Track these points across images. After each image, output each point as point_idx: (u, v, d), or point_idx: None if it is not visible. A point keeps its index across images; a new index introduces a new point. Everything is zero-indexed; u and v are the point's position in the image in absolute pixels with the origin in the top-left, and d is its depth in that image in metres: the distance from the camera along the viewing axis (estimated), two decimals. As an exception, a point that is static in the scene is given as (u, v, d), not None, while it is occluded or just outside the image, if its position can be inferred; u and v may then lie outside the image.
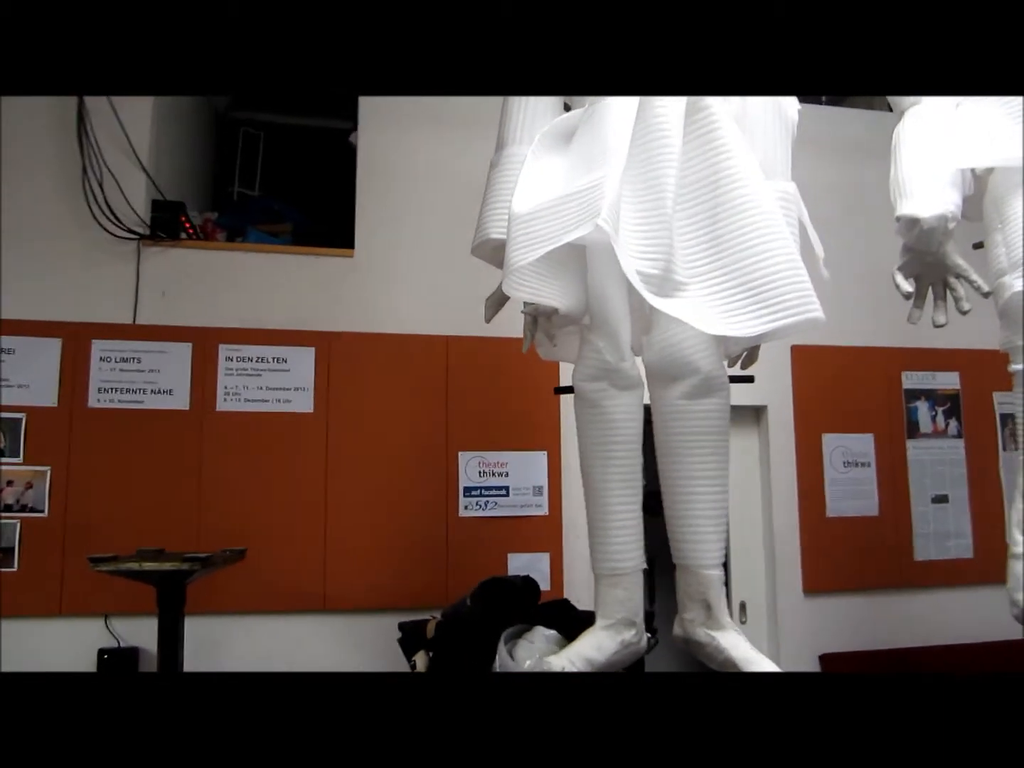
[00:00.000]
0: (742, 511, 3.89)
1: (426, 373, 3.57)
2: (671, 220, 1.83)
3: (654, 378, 1.94)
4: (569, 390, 2.03)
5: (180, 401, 3.38)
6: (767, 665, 1.84)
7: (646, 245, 1.80)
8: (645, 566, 1.96)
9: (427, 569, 3.41)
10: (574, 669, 1.86)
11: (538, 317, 2.05)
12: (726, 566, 3.81)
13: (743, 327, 1.76)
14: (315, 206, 4.54)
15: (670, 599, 1.97)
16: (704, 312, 1.79)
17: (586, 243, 1.89)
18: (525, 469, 3.56)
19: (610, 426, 1.92)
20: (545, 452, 3.60)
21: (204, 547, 3.17)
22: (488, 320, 2.24)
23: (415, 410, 3.53)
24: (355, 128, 3.84)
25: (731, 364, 2.15)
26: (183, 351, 3.41)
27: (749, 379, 2.12)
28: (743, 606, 3.81)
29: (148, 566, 2.44)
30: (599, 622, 1.93)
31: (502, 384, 3.61)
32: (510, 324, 3.77)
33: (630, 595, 1.93)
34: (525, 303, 2.08)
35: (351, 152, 3.85)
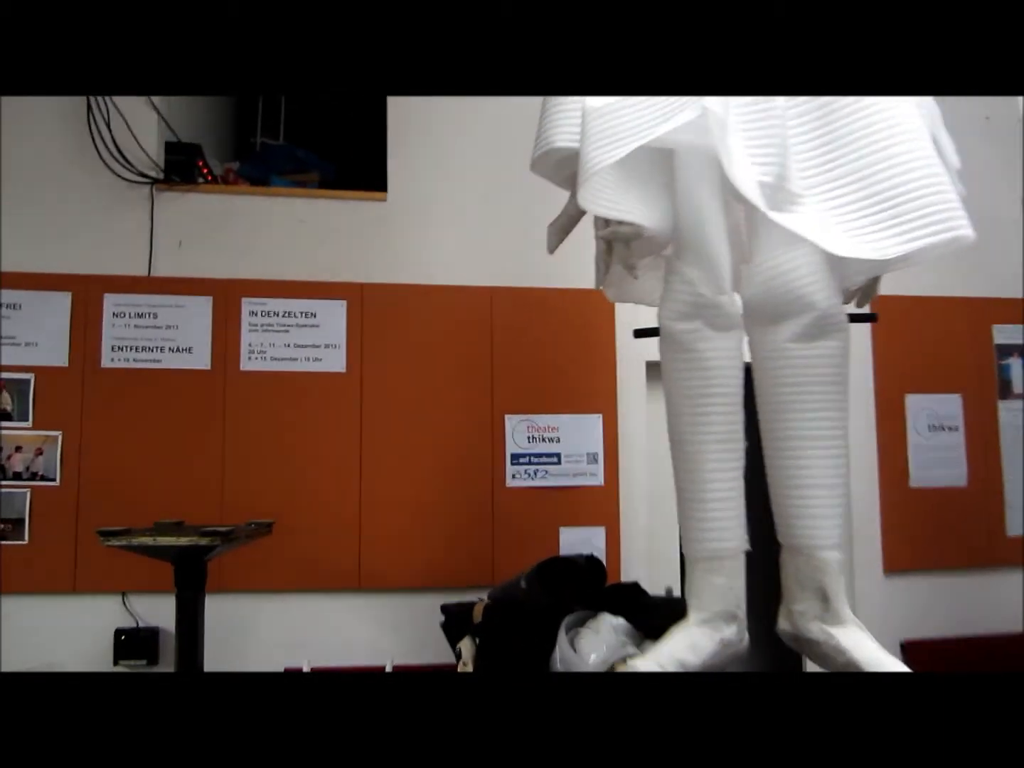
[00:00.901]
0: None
1: (469, 328, 3.24)
2: (784, 116, 1.46)
3: (756, 317, 1.58)
4: (652, 332, 1.68)
5: (200, 360, 3.08)
6: (900, 669, 1.50)
7: (755, 146, 1.44)
8: (748, 547, 1.62)
9: (471, 544, 3.10)
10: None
11: (615, 243, 1.70)
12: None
13: (879, 247, 1.40)
14: (343, 154, 4.21)
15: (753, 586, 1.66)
16: (829, 230, 1.43)
17: (677, 146, 1.54)
18: (578, 434, 3.22)
19: (706, 374, 1.56)
20: (600, 415, 3.25)
21: (227, 519, 2.91)
22: (552, 249, 1.89)
23: (457, 369, 3.20)
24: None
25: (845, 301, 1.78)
26: (203, 305, 3.11)
27: (871, 318, 1.76)
28: (817, 585, 3.45)
29: (164, 541, 2.17)
30: (693, 616, 1.59)
31: (553, 340, 3.27)
32: (563, 272, 3.43)
33: (731, 582, 1.59)
34: (598, 227, 1.73)
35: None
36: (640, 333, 2.12)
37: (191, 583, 2.25)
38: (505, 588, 2.49)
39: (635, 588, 2.24)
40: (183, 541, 2.17)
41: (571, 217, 1.78)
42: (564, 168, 1.71)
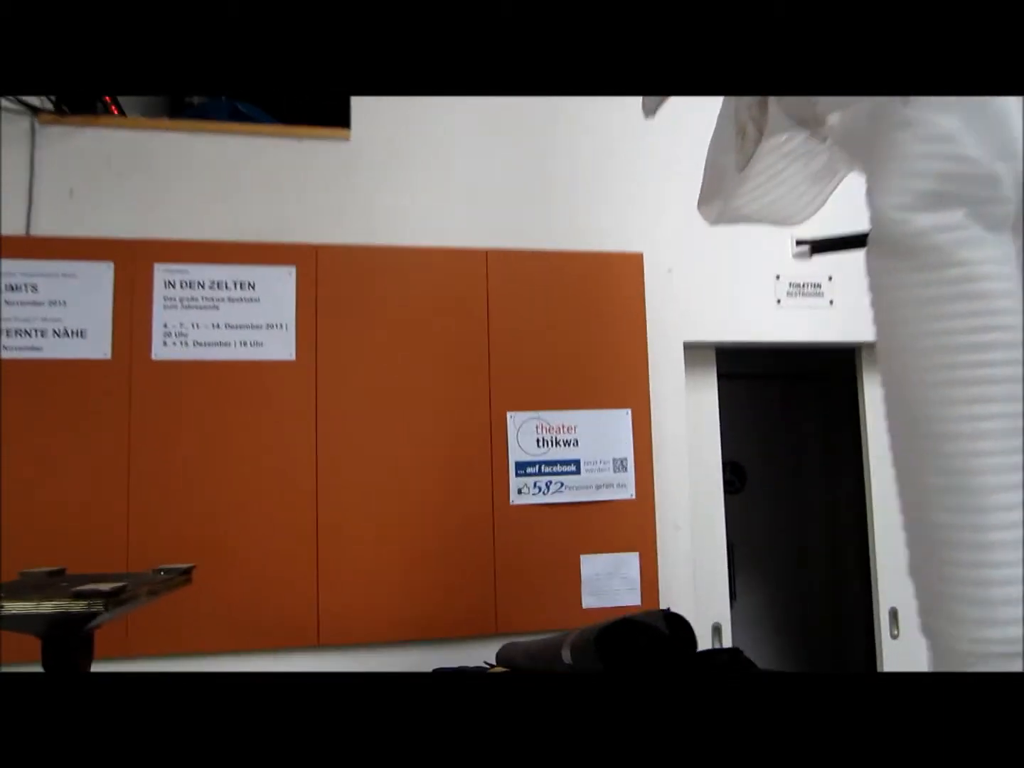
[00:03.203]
0: (888, 485, 2.84)
1: (458, 302, 2.50)
2: None
3: None
4: (839, 244, 1.01)
5: (97, 347, 2.29)
6: None
7: None
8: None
9: (465, 582, 2.35)
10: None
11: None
12: (866, 560, 2.78)
13: None
14: (296, 110, 3.43)
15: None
16: None
17: None
18: (602, 435, 2.50)
19: (981, 308, 0.83)
20: (629, 411, 2.53)
21: (136, 562, 2.14)
22: (650, 112, 1.22)
23: (443, 355, 2.46)
24: None
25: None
26: (101, 274, 2.32)
27: None
28: (894, 614, 2.78)
29: (16, 608, 1.42)
30: None
31: (567, 316, 2.54)
32: (580, 229, 2.70)
33: None
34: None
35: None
36: (818, 246, 1.53)
37: (65, 662, 1.51)
38: (531, 654, 1.76)
39: (735, 654, 1.53)
40: (47, 608, 1.42)
41: None
42: None
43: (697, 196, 1.57)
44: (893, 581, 2.80)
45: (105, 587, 1.43)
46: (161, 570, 1.79)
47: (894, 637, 2.76)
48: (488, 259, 2.53)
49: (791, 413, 4.34)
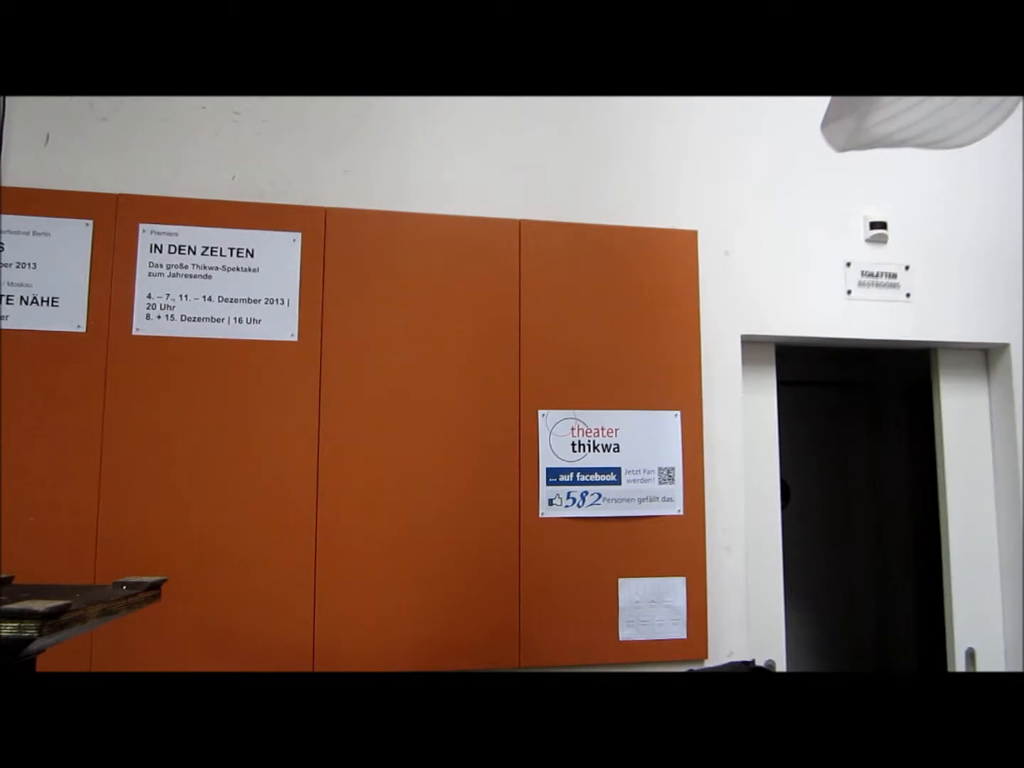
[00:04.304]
0: (967, 507, 2.51)
1: (486, 280, 2.17)
2: None
3: None
4: None
5: (70, 318, 1.98)
6: None
7: None
8: None
9: (485, 605, 2.04)
10: None
11: None
12: (939, 593, 2.44)
13: None
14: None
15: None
16: None
17: None
18: (647, 440, 2.16)
19: None
20: (678, 413, 2.20)
21: (105, 571, 1.85)
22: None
23: (468, 341, 2.13)
24: None
25: None
26: (77, 234, 2.01)
27: None
28: (971, 655, 2.44)
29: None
30: None
31: (610, 300, 2.21)
32: (628, 200, 2.37)
33: None
34: None
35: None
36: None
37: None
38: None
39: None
40: (-29, 633, 1.11)
41: None
42: None
43: (823, 122, 1.25)
44: (969, 617, 2.46)
45: (40, 607, 1.12)
46: (124, 583, 1.48)
47: (969, 680, 2.42)
48: (521, 231, 2.20)
49: (838, 423, 3.98)
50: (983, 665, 2.41)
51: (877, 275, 2.51)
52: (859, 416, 3.99)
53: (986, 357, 2.61)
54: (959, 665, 2.42)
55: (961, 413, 2.56)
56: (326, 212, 2.13)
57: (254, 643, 1.92)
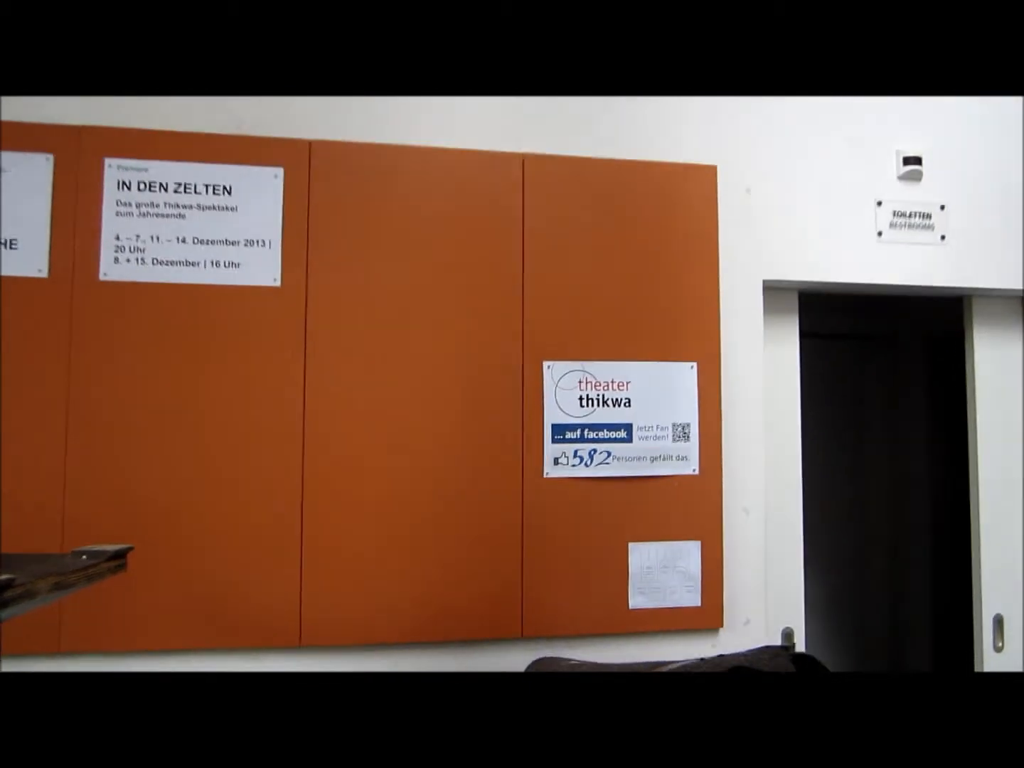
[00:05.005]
0: (994, 471, 2.35)
1: (485, 219, 1.99)
2: None
3: None
4: None
5: (30, 261, 1.81)
6: None
7: None
8: None
9: (485, 573, 1.90)
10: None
11: None
12: (967, 561, 2.30)
13: None
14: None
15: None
16: None
17: None
18: (661, 393, 2.00)
19: None
20: (694, 364, 2.03)
21: (71, 537, 1.71)
22: None
23: (466, 287, 1.96)
24: None
25: None
26: (36, 169, 1.83)
27: None
28: (998, 622, 2.31)
29: None
30: None
31: (621, 242, 2.03)
32: (641, 132, 2.16)
33: None
34: None
35: None
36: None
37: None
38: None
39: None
40: None
41: None
42: None
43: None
44: (996, 584, 2.32)
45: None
46: (83, 552, 1.34)
47: (998, 650, 2.29)
48: (525, 166, 2.00)
49: (854, 378, 3.81)
50: (1011, 632, 2.28)
51: (910, 215, 2.31)
52: (876, 372, 3.81)
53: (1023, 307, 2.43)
54: (986, 633, 2.29)
55: (995, 365, 2.39)
56: (311, 145, 1.94)
57: (237, 617, 1.79)
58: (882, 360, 3.77)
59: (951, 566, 3.33)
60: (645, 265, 2.02)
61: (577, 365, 1.96)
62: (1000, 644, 2.29)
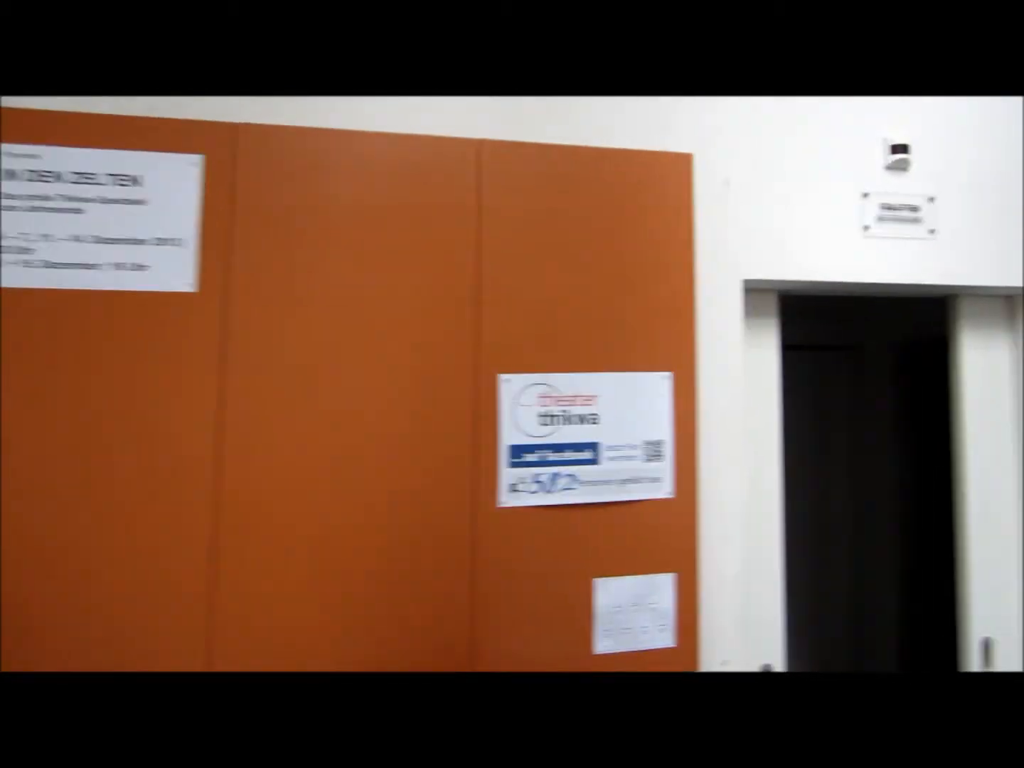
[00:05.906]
0: (984, 484, 2.19)
1: (437, 212, 1.76)
2: None
3: None
4: None
5: None
6: None
7: None
8: None
9: (429, 619, 1.69)
10: None
11: None
12: (949, 581, 2.16)
13: None
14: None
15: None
16: None
17: None
18: (631, 408, 1.80)
19: None
20: (669, 375, 1.83)
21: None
22: None
23: (413, 289, 1.73)
24: None
25: None
26: (-95, 154, 1.57)
27: None
28: (986, 645, 2.16)
29: None
30: None
31: (587, 238, 1.82)
32: (610, 117, 1.93)
33: None
34: None
35: None
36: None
37: None
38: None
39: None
40: None
41: None
42: None
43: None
44: (985, 606, 2.17)
45: None
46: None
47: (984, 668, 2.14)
48: (482, 153, 1.78)
49: (820, 390, 3.65)
50: (1000, 657, 2.13)
51: (898, 208, 2.14)
52: (843, 383, 3.65)
53: (1010, 305, 2.26)
54: (972, 655, 2.14)
55: (983, 369, 2.23)
56: (237, 129, 1.69)
57: (135, 642, 1.56)
58: (847, 370, 3.62)
59: (927, 583, 3.21)
60: (614, 264, 1.82)
61: (538, 378, 1.75)
62: (988, 667, 2.14)
